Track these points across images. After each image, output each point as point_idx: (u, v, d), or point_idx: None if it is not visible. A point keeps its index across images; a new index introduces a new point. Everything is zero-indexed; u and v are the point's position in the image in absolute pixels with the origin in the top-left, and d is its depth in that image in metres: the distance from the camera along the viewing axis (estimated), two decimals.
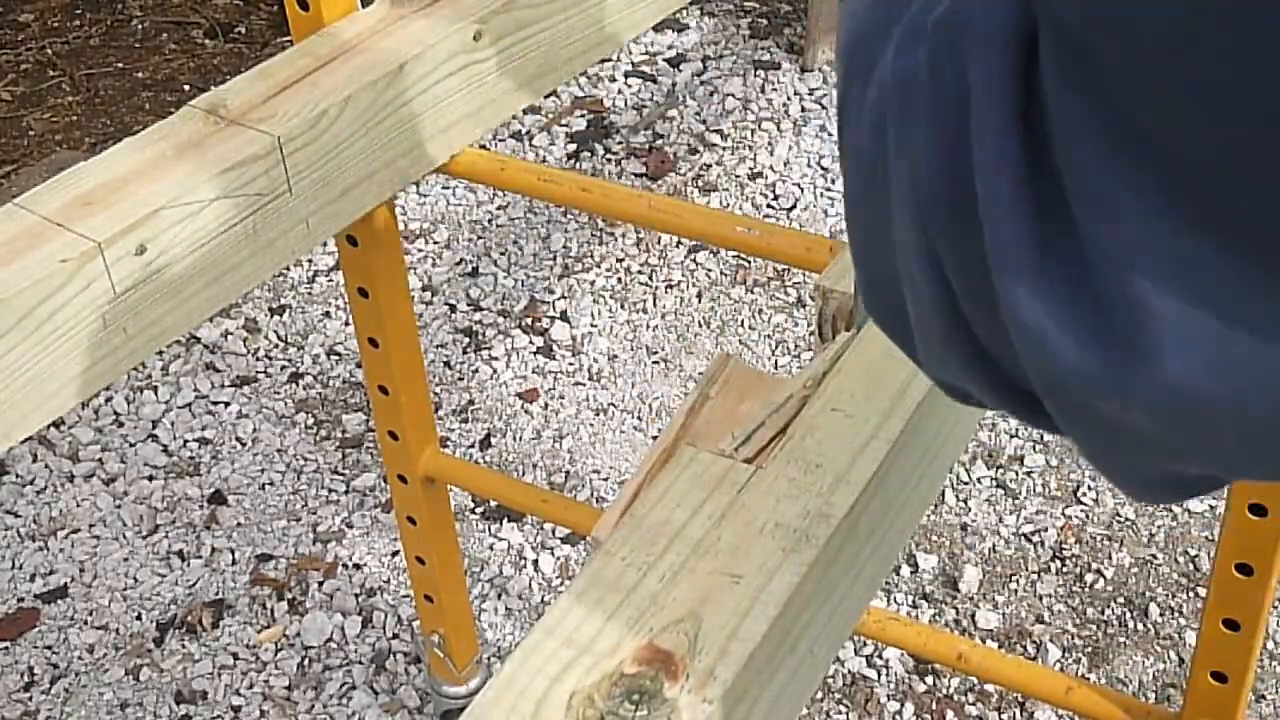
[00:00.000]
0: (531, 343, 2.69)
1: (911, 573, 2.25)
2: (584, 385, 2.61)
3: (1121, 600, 2.21)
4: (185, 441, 2.54)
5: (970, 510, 2.34)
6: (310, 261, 2.90)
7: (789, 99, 3.26)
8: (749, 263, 2.77)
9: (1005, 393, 0.47)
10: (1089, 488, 2.35)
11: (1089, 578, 2.24)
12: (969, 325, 0.46)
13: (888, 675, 2.12)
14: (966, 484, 2.38)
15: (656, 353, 2.66)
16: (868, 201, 0.51)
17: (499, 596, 2.26)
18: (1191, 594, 2.20)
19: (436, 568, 1.85)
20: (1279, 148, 0.35)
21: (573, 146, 3.15)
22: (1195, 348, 0.39)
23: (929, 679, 2.10)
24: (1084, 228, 0.40)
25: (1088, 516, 2.32)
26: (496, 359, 2.66)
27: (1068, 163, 0.40)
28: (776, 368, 2.57)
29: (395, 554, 2.31)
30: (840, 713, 2.08)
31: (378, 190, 1.31)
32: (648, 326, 2.71)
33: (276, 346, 2.73)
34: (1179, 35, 0.36)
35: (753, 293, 2.74)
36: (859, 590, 0.97)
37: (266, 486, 2.45)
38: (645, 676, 0.81)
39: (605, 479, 2.43)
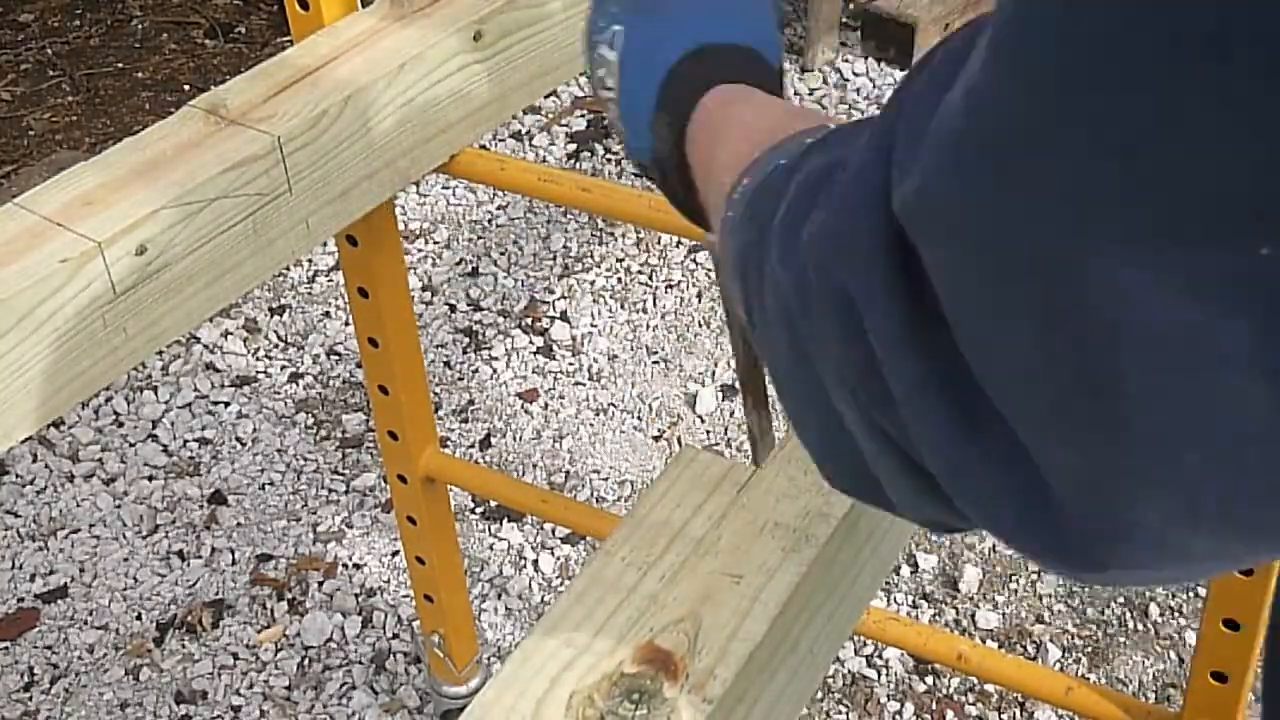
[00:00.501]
0: (531, 343, 2.69)
1: (911, 573, 2.25)
2: (584, 385, 2.61)
3: (1121, 600, 2.21)
4: (185, 441, 2.54)
5: None
6: (310, 261, 2.90)
7: (789, 99, 3.25)
8: None
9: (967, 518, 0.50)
10: None
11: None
12: (929, 475, 0.49)
13: (888, 675, 2.12)
14: None
15: (656, 353, 2.66)
16: (802, 394, 0.55)
17: (499, 596, 2.26)
18: (1191, 594, 2.20)
19: (436, 568, 1.85)
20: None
21: (573, 146, 3.15)
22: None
23: (929, 679, 2.10)
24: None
25: None
26: (496, 359, 2.66)
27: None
28: None
29: (395, 554, 2.31)
30: (840, 713, 2.08)
31: (378, 190, 1.31)
32: (648, 326, 2.71)
33: (276, 346, 2.73)
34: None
35: None
36: (859, 590, 0.97)
37: (266, 486, 2.45)
38: (645, 676, 0.81)
39: (605, 479, 2.43)
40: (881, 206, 0.46)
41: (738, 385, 0.97)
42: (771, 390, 0.93)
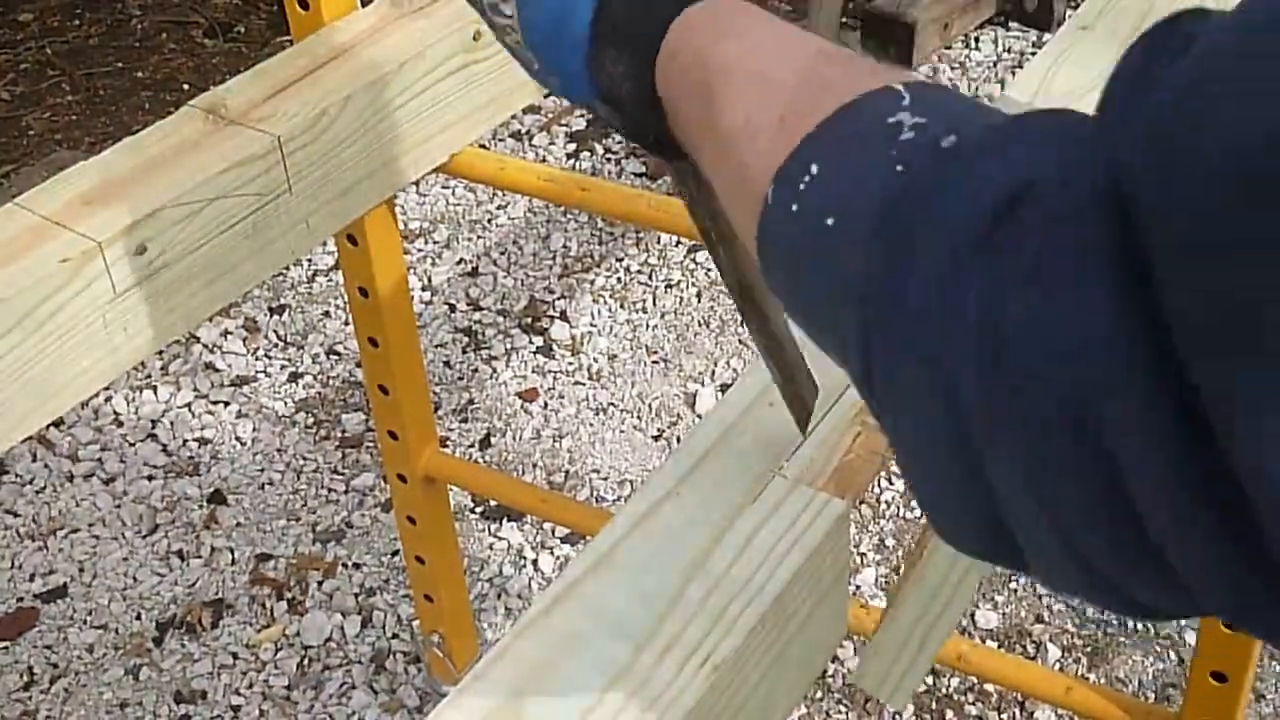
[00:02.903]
0: (531, 342, 2.69)
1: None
2: (584, 385, 2.61)
3: None
4: (185, 441, 2.53)
5: None
6: (310, 261, 2.90)
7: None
8: None
9: (1132, 608, 0.46)
10: None
11: None
12: (1097, 569, 0.44)
13: None
14: None
15: (656, 352, 2.66)
16: (944, 468, 0.48)
17: (499, 596, 2.26)
18: None
19: (436, 567, 1.85)
20: None
21: (573, 146, 3.15)
22: None
23: (929, 679, 2.10)
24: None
25: None
26: (496, 359, 2.66)
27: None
28: None
29: (395, 553, 2.30)
30: (840, 713, 2.08)
31: (378, 190, 1.31)
32: (647, 326, 2.71)
33: (276, 346, 2.73)
34: None
35: None
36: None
37: (266, 486, 2.45)
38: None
39: (605, 478, 2.43)
40: (1120, 262, 0.37)
41: (764, 358, 0.89)
42: (796, 348, 0.87)
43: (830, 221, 0.52)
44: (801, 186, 0.54)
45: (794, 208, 0.54)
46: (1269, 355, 0.33)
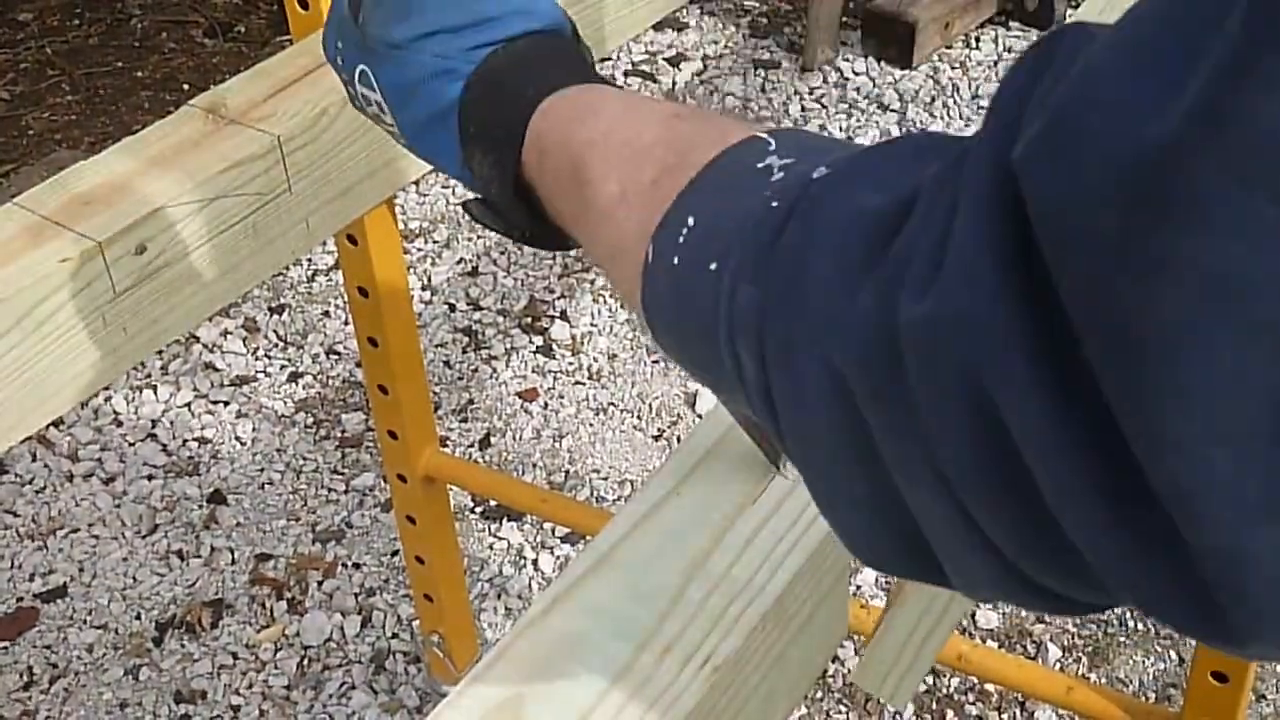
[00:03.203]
0: (531, 342, 2.69)
1: None
2: (584, 385, 2.61)
3: None
4: (184, 441, 2.53)
5: None
6: (310, 261, 2.90)
7: (789, 98, 3.25)
8: None
9: (1051, 602, 0.46)
10: None
11: None
12: (1012, 563, 0.44)
13: None
14: None
15: (656, 352, 2.66)
16: (846, 476, 0.48)
17: (499, 596, 2.26)
18: None
19: (436, 567, 1.85)
20: None
21: None
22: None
23: (929, 679, 2.10)
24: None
25: None
26: (496, 358, 2.66)
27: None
28: None
29: (395, 553, 2.30)
30: (840, 713, 2.08)
31: (378, 189, 1.30)
32: None
33: (276, 346, 2.73)
34: None
35: None
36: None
37: (266, 486, 2.45)
38: None
39: (605, 478, 2.43)
40: (1011, 253, 0.39)
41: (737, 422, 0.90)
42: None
43: (714, 266, 0.52)
44: (680, 239, 0.55)
45: (674, 260, 0.55)
46: (1140, 344, 0.35)
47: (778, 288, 0.49)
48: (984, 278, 0.40)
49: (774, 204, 0.51)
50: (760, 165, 0.54)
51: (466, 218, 2.94)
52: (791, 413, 0.49)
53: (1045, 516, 0.41)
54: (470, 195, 0.74)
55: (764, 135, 0.56)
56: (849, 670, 2.12)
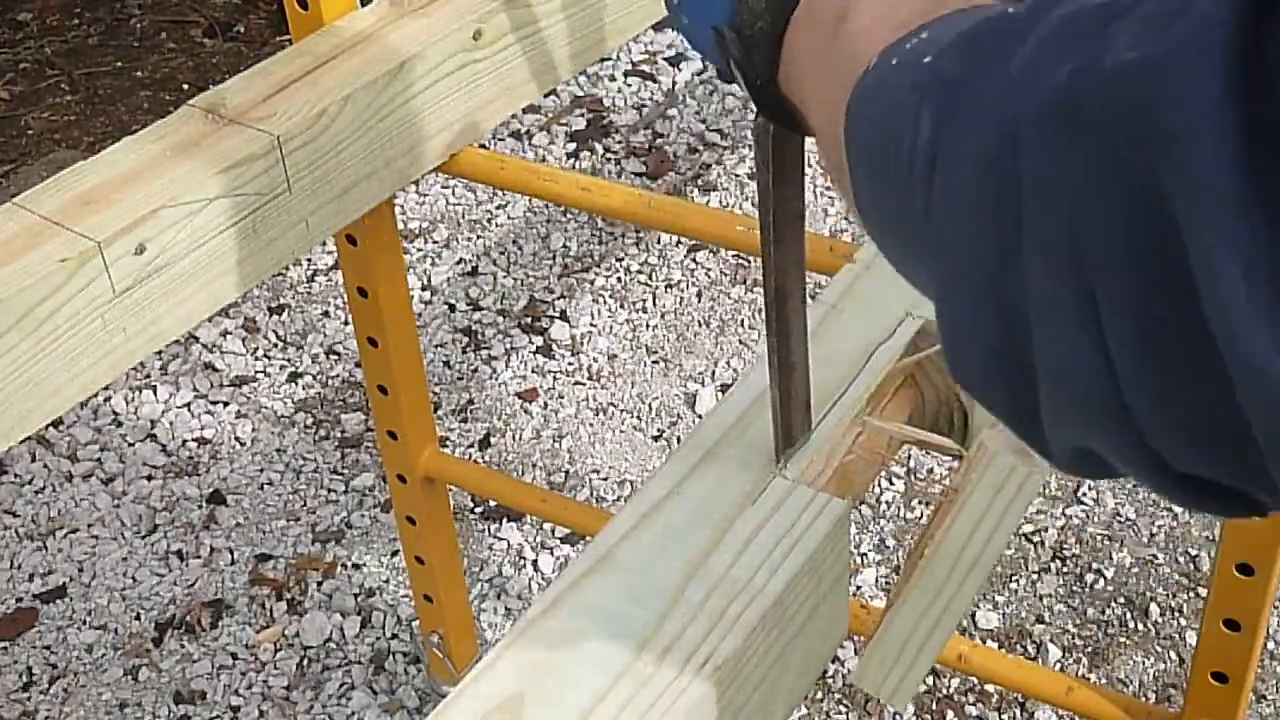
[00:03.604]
0: (531, 342, 2.69)
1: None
2: (584, 385, 2.60)
3: (1122, 600, 2.20)
4: (184, 441, 2.53)
5: None
6: (309, 261, 2.89)
7: None
8: (749, 262, 2.77)
9: (1151, 468, 0.43)
10: (1089, 487, 2.35)
11: (1089, 578, 2.23)
12: (1122, 398, 0.41)
13: None
14: None
15: (656, 352, 2.66)
16: (974, 264, 0.46)
17: (498, 596, 2.26)
18: (1192, 594, 2.20)
19: (436, 567, 1.85)
20: None
21: (572, 146, 3.14)
22: None
23: (929, 679, 2.10)
24: None
25: (1088, 516, 2.32)
26: (496, 359, 2.66)
27: None
28: None
29: (395, 554, 2.30)
30: (840, 713, 2.08)
31: (377, 189, 1.30)
32: (647, 326, 2.71)
33: (275, 346, 2.73)
34: None
35: (753, 292, 2.73)
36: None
37: (265, 486, 2.45)
38: None
39: (605, 479, 2.43)
40: (1234, 30, 0.36)
41: (771, 380, 0.90)
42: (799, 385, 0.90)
43: (928, 59, 0.54)
44: (908, 46, 0.57)
45: (894, 61, 0.57)
46: None
47: (988, 55, 0.49)
48: (1210, 30, 0.37)
49: (1010, 9, 0.51)
50: (1012, 9, 0.54)
51: (467, 219, 2.93)
52: (947, 175, 0.48)
53: (1195, 320, 0.38)
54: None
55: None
56: (849, 671, 2.12)
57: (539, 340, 2.69)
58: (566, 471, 2.45)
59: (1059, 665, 2.12)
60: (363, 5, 1.37)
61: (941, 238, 0.50)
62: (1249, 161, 0.36)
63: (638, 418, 2.54)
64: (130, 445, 2.53)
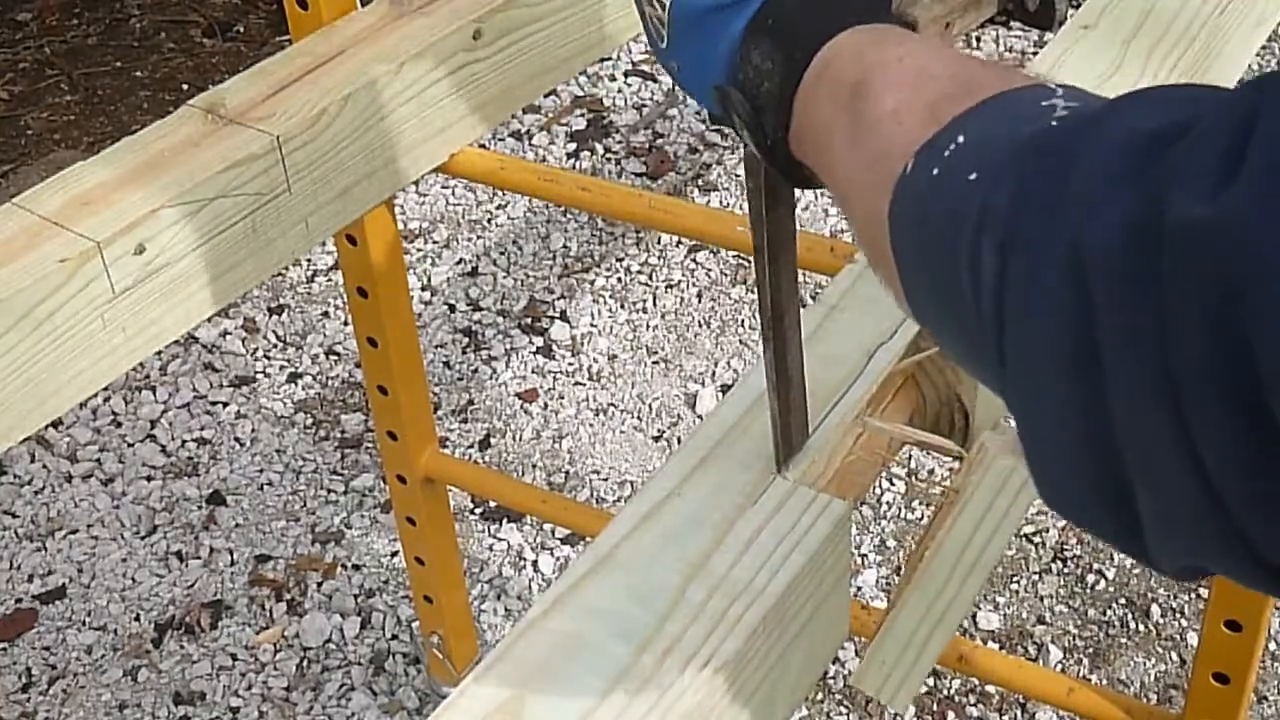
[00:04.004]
0: (531, 343, 2.68)
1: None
2: (584, 385, 2.60)
3: (1123, 601, 2.20)
4: (184, 442, 2.53)
5: None
6: (309, 261, 2.89)
7: None
8: (749, 262, 2.77)
9: (1258, 570, 0.44)
10: None
11: (1090, 578, 2.23)
12: (1230, 515, 0.42)
13: None
14: None
15: (656, 353, 2.65)
16: (1060, 396, 0.47)
17: (498, 597, 2.25)
18: (1193, 595, 2.20)
19: (436, 568, 1.84)
20: None
21: (572, 146, 3.14)
22: None
23: (930, 680, 2.10)
24: None
25: None
26: (496, 359, 2.66)
27: None
28: None
29: (394, 554, 2.30)
30: (840, 713, 2.08)
31: (377, 189, 1.30)
32: (648, 326, 2.70)
33: (275, 346, 2.72)
34: None
35: (752, 292, 2.73)
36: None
37: (265, 487, 2.45)
38: None
39: (605, 479, 2.43)
40: None
41: (769, 395, 0.91)
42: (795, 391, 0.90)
43: (974, 176, 0.53)
44: (946, 154, 0.55)
45: (935, 171, 0.55)
46: None
47: (1041, 185, 0.49)
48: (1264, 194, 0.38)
49: (1052, 123, 0.52)
50: (1045, 104, 0.54)
51: (467, 219, 2.93)
52: (1020, 316, 0.49)
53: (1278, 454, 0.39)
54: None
55: (1052, 85, 0.57)
56: (850, 672, 2.12)
57: (539, 340, 2.69)
58: (566, 472, 2.45)
59: (1060, 666, 2.11)
60: (363, 5, 1.37)
61: (1021, 382, 0.50)
62: None
63: (638, 418, 2.54)
64: (130, 445, 2.53)
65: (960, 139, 0.55)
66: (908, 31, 0.69)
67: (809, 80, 0.69)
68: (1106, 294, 0.44)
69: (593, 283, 2.80)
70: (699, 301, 2.75)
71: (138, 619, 2.25)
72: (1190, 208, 0.41)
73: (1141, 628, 2.17)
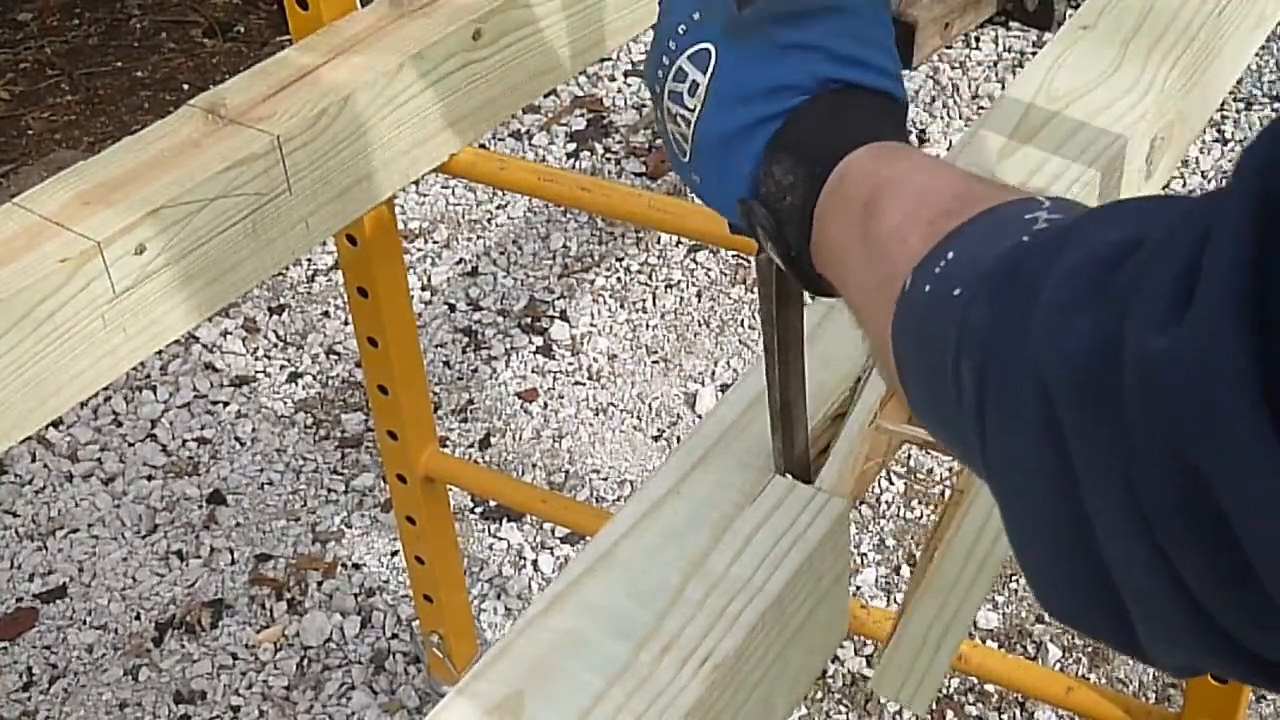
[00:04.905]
0: (531, 342, 2.69)
1: (912, 572, 2.25)
2: (584, 385, 2.60)
3: None
4: (184, 441, 2.53)
5: None
6: (309, 261, 2.89)
7: None
8: (749, 262, 2.77)
9: (1253, 667, 0.45)
10: None
11: None
12: (1219, 627, 0.44)
13: None
14: None
15: (656, 352, 2.66)
16: (1042, 511, 0.49)
17: (498, 596, 2.26)
18: None
19: (436, 567, 1.85)
20: None
21: (572, 146, 3.14)
22: None
23: None
24: None
25: None
26: (496, 359, 2.66)
27: None
28: None
29: (395, 554, 2.30)
30: (840, 713, 2.08)
31: (377, 189, 1.30)
32: (647, 326, 2.71)
33: (275, 346, 2.73)
34: None
35: (752, 292, 2.73)
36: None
37: (265, 486, 2.45)
38: None
39: (605, 479, 2.43)
40: (1251, 321, 0.39)
41: (771, 417, 0.93)
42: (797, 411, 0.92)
43: (958, 291, 0.55)
44: (937, 270, 0.58)
45: (927, 288, 0.58)
46: None
47: (1009, 307, 0.51)
48: (1231, 315, 0.39)
49: (1024, 239, 0.54)
50: (1028, 216, 0.56)
51: (467, 219, 2.93)
52: (999, 435, 0.51)
53: (1249, 570, 0.41)
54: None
55: (1042, 198, 0.59)
56: (849, 670, 2.12)
57: (539, 340, 2.69)
58: (566, 471, 2.45)
59: (1059, 665, 2.12)
60: (363, 5, 1.37)
61: (1004, 490, 0.52)
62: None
63: (638, 418, 2.54)
64: (130, 445, 2.53)
65: (950, 254, 0.58)
66: (916, 149, 0.72)
67: (826, 195, 0.71)
68: (1072, 423, 0.46)
69: (593, 282, 2.80)
70: (699, 301, 2.75)
71: (138, 618, 2.25)
72: (1146, 338, 0.42)
73: None
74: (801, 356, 0.89)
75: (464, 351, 2.68)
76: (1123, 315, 0.43)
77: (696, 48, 0.76)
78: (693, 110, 0.76)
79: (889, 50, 0.75)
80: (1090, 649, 2.14)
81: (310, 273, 2.88)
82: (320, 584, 2.29)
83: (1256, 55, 1.66)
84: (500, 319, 2.74)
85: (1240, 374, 0.39)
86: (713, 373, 2.60)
